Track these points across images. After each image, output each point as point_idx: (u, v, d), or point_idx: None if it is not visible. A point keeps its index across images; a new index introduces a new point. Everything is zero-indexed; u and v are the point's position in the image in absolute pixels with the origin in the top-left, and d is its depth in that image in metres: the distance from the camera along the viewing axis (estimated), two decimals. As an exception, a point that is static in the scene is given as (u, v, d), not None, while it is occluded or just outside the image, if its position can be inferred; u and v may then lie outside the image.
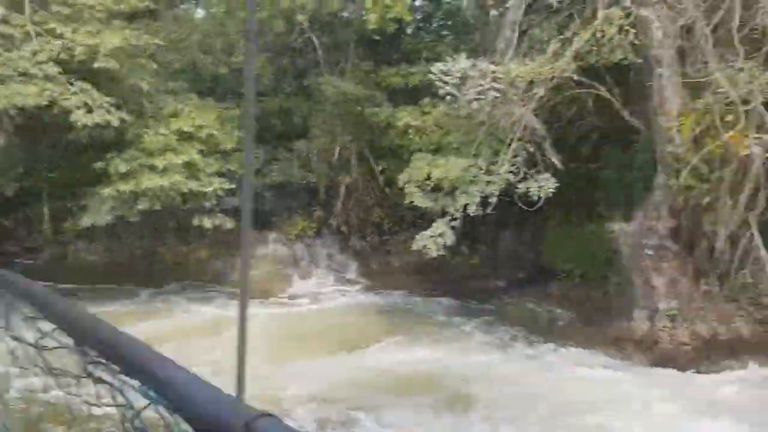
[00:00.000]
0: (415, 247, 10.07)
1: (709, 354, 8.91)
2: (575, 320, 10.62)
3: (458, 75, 8.88)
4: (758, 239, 8.34)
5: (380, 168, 13.33)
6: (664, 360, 8.90)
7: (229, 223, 12.03)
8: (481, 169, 9.68)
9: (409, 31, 14.47)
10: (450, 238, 9.73)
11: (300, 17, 12.26)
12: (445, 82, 9.04)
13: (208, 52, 13.64)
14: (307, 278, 13.15)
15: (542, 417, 7.22)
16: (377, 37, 13.41)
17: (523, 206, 9.85)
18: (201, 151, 12.04)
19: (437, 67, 9.17)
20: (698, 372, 8.73)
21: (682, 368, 8.76)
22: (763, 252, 8.35)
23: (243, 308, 1.30)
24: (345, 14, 13.84)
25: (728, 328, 8.98)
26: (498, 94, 8.87)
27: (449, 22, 14.60)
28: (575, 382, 8.25)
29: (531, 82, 9.18)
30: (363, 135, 13.42)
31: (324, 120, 13.46)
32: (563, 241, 11.43)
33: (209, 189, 11.87)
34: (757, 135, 8.15)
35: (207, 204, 12.19)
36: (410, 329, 10.24)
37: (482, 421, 7.18)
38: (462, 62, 9.00)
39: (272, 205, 13.84)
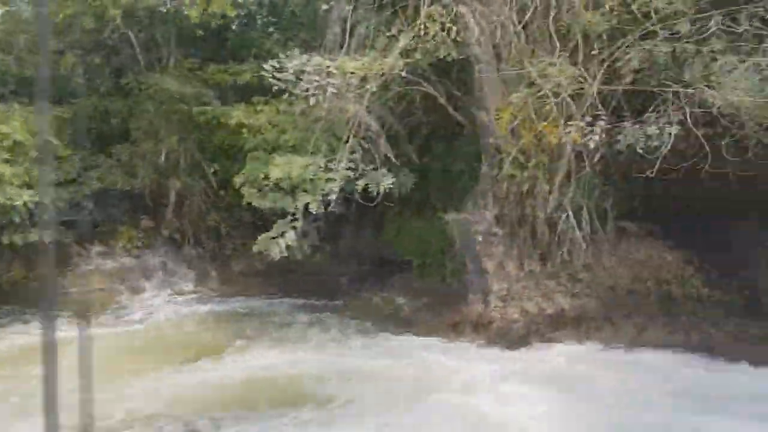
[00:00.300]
0: (255, 250, 9.79)
1: (538, 328, 9.64)
2: (417, 309, 10.99)
3: (293, 71, 8.71)
4: (573, 220, 9.13)
5: (213, 170, 12.78)
6: (498, 338, 9.48)
7: (46, 238, 10.83)
8: (320, 166, 9.64)
9: (234, 27, 14.02)
10: (292, 239, 9.59)
11: (113, 11, 11.35)
12: (279, 79, 8.83)
13: (9, 51, 12.24)
14: (139, 292, 12.27)
15: (385, 402, 7.35)
16: (201, 33, 12.83)
17: (363, 202, 9.96)
18: (7, 161, 10.75)
19: (270, 64, 8.92)
20: (528, 345, 9.43)
21: (514, 344, 9.41)
22: (577, 232, 9.15)
23: (49, 338, 1.08)
24: (162, 9, 13.03)
25: (552, 303, 9.77)
26: (334, 90, 8.85)
27: (276, 19, 14.37)
28: (419, 367, 8.50)
29: (363, 78, 9.28)
30: (192, 136, 12.78)
31: (147, 121, 12.62)
32: (402, 233, 11.78)
33: (18, 202, 10.62)
34: (567, 125, 8.93)
35: (16, 219, 10.91)
36: (254, 334, 9.93)
37: (328, 417, 7.12)
38: (297, 58, 8.84)
39: (94, 216, 12.72)
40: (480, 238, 9.75)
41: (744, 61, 6.64)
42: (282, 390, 7.87)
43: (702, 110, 7.30)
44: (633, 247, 10.37)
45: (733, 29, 6.68)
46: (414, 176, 10.75)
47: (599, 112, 8.48)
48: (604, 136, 8.67)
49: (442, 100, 9.73)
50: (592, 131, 9.05)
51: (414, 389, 7.68)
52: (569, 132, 8.94)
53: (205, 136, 12.69)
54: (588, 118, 8.97)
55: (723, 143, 7.73)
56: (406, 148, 10.83)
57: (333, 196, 9.59)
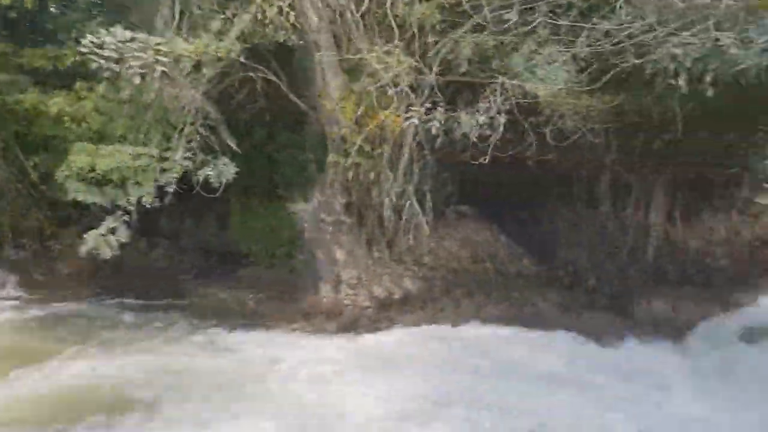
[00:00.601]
0: (84, 250, 9.01)
1: (388, 313, 9.87)
2: (267, 301, 10.76)
3: (115, 48, 8.01)
4: (416, 206, 9.42)
5: (33, 163, 11.57)
6: (349, 325, 9.59)
7: None
8: (153, 156, 9.07)
9: (53, 8, 12.75)
10: (125, 235, 8.94)
11: None
12: (101, 57, 8.09)
13: None
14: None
15: (216, 400, 7.13)
16: (14, 15, 11.56)
17: (205, 193, 9.52)
18: None
19: (88, 39, 8.13)
20: (377, 330, 9.64)
21: (365, 330, 9.58)
22: (421, 218, 9.45)
23: None
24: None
25: (400, 288, 10.05)
26: (165, 69, 8.30)
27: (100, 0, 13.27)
28: (262, 361, 8.35)
29: (199, 63, 8.84)
30: (7, 127, 11.47)
31: (-51, 111, 11.14)
32: (248, 224, 11.44)
33: None
34: (407, 114, 9.15)
35: None
36: (80, 339, 9.11)
37: (150, 420, 6.78)
38: (119, 33, 8.13)
39: None
40: (329, 227, 9.76)
41: (562, 53, 7.18)
42: (105, 397, 7.29)
43: (527, 100, 7.80)
44: (471, 230, 10.96)
45: (554, 21, 7.19)
46: (257, 166, 10.48)
47: (437, 100, 8.81)
48: (441, 125, 9.01)
49: (284, 88, 9.55)
50: (430, 120, 9.39)
51: (252, 384, 7.51)
52: (410, 121, 9.19)
53: (22, 127, 11.45)
54: (426, 108, 9.29)
55: (547, 131, 8.32)
56: (250, 136, 10.52)
57: (170, 188, 9.08)
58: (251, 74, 9.35)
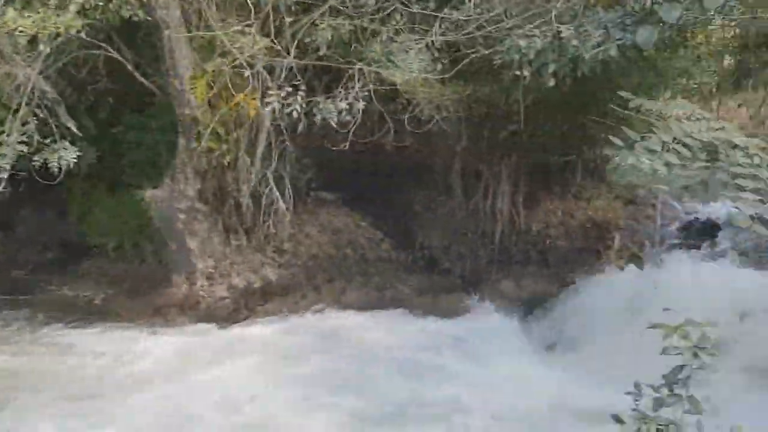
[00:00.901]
0: None
1: (247, 303, 9.65)
2: (115, 296, 10.09)
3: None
4: (276, 192, 9.27)
5: None
6: (206, 317, 9.26)
7: None
8: (-20, 140, 8.12)
9: None
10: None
11: None
12: None
13: None
14: None
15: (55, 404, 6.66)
16: None
17: (42, 180, 8.69)
18: None
19: None
20: (237, 321, 9.42)
21: (224, 321, 9.31)
22: (281, 204, 9.33)
23: None
24: None
25: (259, 277, 9.86)
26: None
27: None
28: (110, 359, 7.92)
29: (34, 38, 8.03)
30: None
31: None
32: (92, 214, 10.62)
33: None
34: (263, 97, 8.96)
35: None
36: None
37: None
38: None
39: None
40: (182, 215, 9.33)
41: (417, 41, 7.38)
42: None
43: (385, 87, 7.94)
44: (331, 216, 11.01)
45: (408, 9, 7.36)
46: (100, 150, 9.76)
47: (297, 83, 8.73)
48: (301, 109, 8.92)
49: (130, 67, 8.97)
50: (289, 104, 9.27)
51: (98, 384, 7.09)
52: (267, 104, 9.01)
53: None
54: (285, 91, 9.15)
55: (405, 118, 8.54)
56: (92, 118, 9.77)
57: (3, 175, 8.20)
58: (94, 52, 8.68)
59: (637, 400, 2.18)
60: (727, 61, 11.78)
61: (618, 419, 2.22)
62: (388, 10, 7.49)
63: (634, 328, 7.80)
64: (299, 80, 8.76)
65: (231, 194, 9.56)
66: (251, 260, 9.98)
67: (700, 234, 10.89)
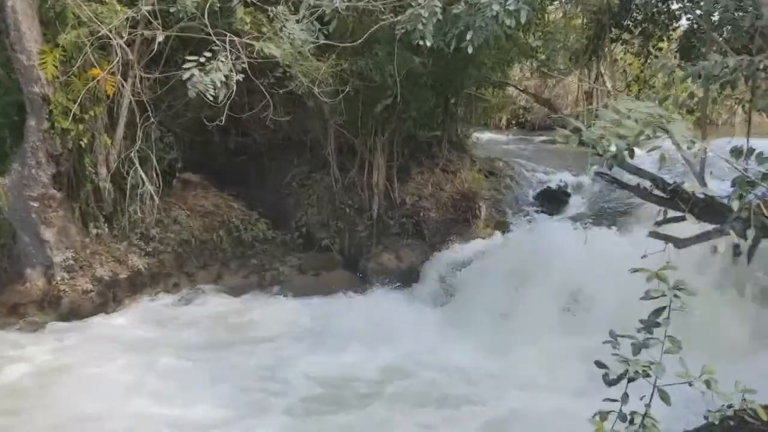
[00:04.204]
0: None
1: (114, 295, 8.98)
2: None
3: None
4: (141, 174, 8.65)
5: None
6: (70, 313, 8.53)
7: None
8: None
9: None
10: None
11: None
12: None
13: None
14: None
15: None
16: None
17: None
18: None
19: None
20: (105, 314, 8.79)
21: (88, 314, 8.65)
22: (147, 187, 8.72)
23: None
24: None
25: (126, 267, 9.18)
26: None
27: None
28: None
29: None
30: None
31: None
32: None
33: None
34: (123, 71, 8.30)
35: None
36: None
37: None
38: None
39: None
40: (34, 204, 8.41)
41: (292, 13, 7.17)
42: None
43: (259, 60, 7.65)
44: (201, 198, 10.50)
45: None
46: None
47: (159, 58, 8.16)
48: (167, 84, 8.39)
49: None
50: (151, 80, 8.66)
51: None
52: (128, 80, 8.36)
53: None
54: (147, 66, 8.54)
55: (280, 93, 8.31)
56: None
57: None
58: None
59: (615, 347, 2.31)
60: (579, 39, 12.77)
61: (600, 365, 2.34)
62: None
63: (508, 289, 8.41)
64: (164, 55, 8.24)
65: (89, 178, 8.78)
66: (115, 249, 9.28)
67: (553, 200, 11.84)
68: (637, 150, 2.32)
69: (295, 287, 9.63)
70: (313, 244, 10.28)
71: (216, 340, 8.28)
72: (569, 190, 12.21)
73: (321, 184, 10.39)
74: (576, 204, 11.87)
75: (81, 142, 8.52)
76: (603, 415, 2.41)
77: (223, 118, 7.40)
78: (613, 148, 2.29)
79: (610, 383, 2.41)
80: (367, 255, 10.09)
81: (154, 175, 9.19)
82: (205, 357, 7.72)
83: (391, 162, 10.37)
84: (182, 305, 9.46)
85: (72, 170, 8.74)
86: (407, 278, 9.66)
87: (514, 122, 20.11)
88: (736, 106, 10.28)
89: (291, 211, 10.49)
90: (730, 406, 2.41)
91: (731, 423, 2.85)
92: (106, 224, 9.29)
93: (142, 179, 8.78)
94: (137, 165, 8.57)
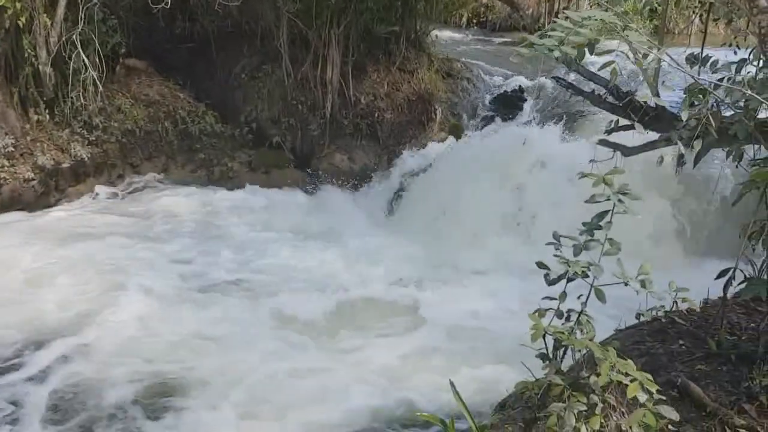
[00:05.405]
0: None
1: (57, 184, 8.72)
2: None
3: None
4: (84, 57, 8.20)
5: None
6: (11, 202, 8.27)
7: None
8: None
9: None
10: None
11: None
12: None
13: None
14: None
15: None
16: None
17: None
18: None
19: None
20: (48, 205, 8.57)
21: (33, 205, 8.42)
22: (91, 72, 8.29)
23: None
24: None
25: (69, 155, 8.86)
26: None
27: None
28: None
29: None
30: None
31: None
32: None
33: None
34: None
35: None
36: None
37: None
38: None
39: None
40: (-34, 86, 7.92)
41: None
42: None
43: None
44: (145, 86, 10.06)
45: None
46: None
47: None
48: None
49: None
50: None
51: None
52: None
53: None
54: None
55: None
56: None
57: None
58: None
59: (557, 248, 2.39)
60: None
61: (542, 265, 2.43)
62: None
63: (460, 191, 8.51)
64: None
65: (28, 61, 8.27)
66: (57, 137, 8.91)
67: (509, 105, 11.81)
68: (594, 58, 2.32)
69: (244, 183, 9.53)
70: (264, 141, 10.07)
71: (161, 231, 8.20)
72: (525, 95, 12.18)
73: (272, 77, 10.03)
74: (530, 110, 11.90)
75: (19, 22, 7.96)
76: (541, 312, 2.54)
77: (169, 1, 6.97)
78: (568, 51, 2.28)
79: (551, 283, 2.52)
80: (320, 155, 9.99)
81: (97, 60, 8.73)
82: (142, 247, 7.66)
83: (347, 58, 10.07)
84: (128, 196, 9.31)
85: (10, 52, 8.21)
86: (360, 180, 9.66)
87: (474, 21, 19.61)
88: (693, 15, 10.27)
89: (240, 105, 10.16)
90: (662, 307, 2.56)
91: (663, 321, 3.04)
92: (47, 110, 8.87)
93: (85, 64, 8.34)
94: (79, 48, 8.10)
